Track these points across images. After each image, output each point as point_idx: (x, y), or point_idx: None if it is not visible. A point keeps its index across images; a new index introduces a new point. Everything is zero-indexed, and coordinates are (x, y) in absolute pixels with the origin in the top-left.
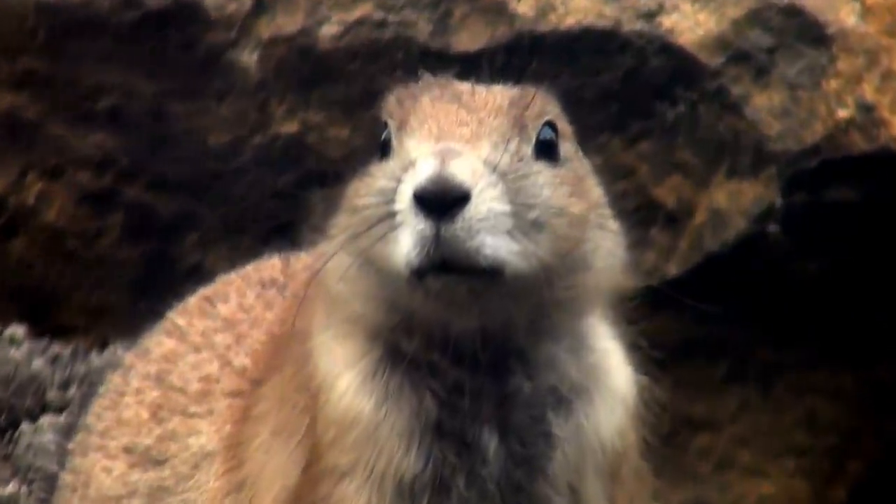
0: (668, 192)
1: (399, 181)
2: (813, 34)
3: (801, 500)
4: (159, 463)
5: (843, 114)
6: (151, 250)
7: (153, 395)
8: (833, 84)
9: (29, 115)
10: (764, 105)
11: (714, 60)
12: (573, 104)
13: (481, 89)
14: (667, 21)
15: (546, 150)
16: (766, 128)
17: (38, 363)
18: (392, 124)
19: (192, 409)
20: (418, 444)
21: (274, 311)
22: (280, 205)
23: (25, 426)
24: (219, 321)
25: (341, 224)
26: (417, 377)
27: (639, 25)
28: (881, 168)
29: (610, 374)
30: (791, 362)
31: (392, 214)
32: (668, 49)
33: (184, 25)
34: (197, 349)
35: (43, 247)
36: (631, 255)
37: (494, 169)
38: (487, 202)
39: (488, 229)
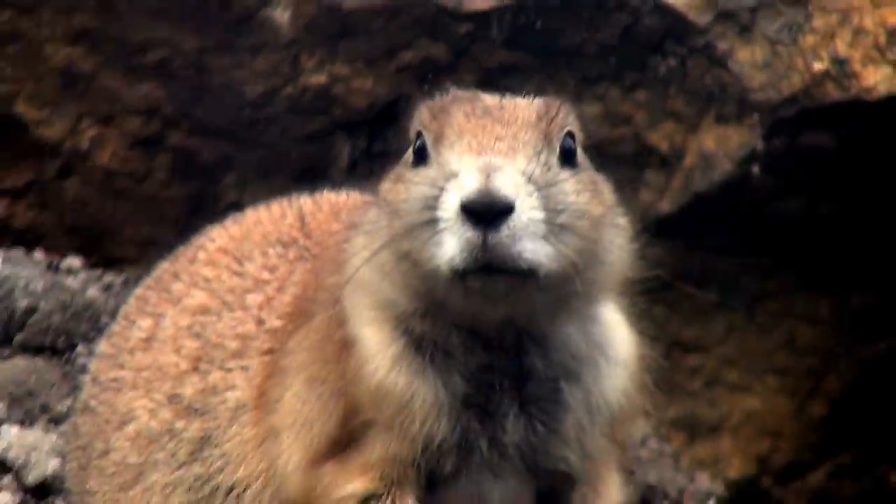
0: (661, 137)
1: (441, 189)
2: None
3: (783, 414)
4: (202, 414)
5: (818, 67)
6: (194, 189)
7: (192, 346)
8: (810, 40)
9: (84, 67)
10: (747, 59)
11: (702, 19)
12: (576, 58)
13: (509, 103)
14: None
15: (568, 158)
16: (749, 80)
17: (92, 291)
18: (427, 135)
19: (230, 364)
20: (447, 414)
21: (298, 275)
22: (309, 148)
23: (81, 348)
24: (248, 280)
25: (381, 222)
26: (443, 359)
27: None
28: (853, 116)
29: (614, 344)
30: (773, 290)
31: (435, 221)
32: (660, 9)
33: None
34: (230, 307)
35: (97, 186)
36: (637, 245)
37: (530, 180)
38: (527, 211)
39: (528, 235)
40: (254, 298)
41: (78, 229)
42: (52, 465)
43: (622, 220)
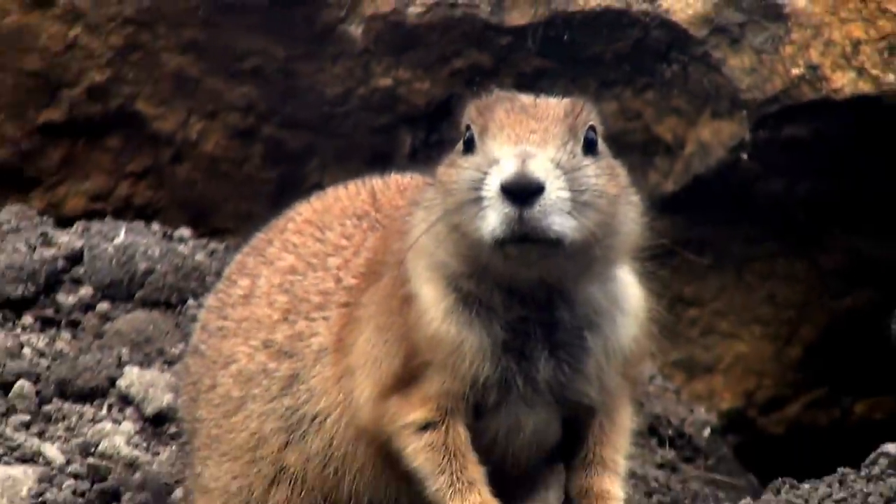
0: (666, 130)
1: (485, 173)
2: (774, 13)
3: (766, 357)
4: (290, 357)
5: (796, 72)
6: (284, 172)
7: (283, 300)
8: (789, 50)
9: (192, 72)
10: (737, 65)
11: (700, 32)
12: (596, 65)
13: (542, 102)
14: (665, 3)
15: (590, 147)
16: (739, 82)
17: (199, 256)
18: (475, 128)
19: (314, 315)
20: (490, 357)
21: (370, 242)
22: (378, 139)
23: (190, 302)
24: (329, 246)
25: (436, 200)
26: (486, 312)
27: (644, 6)
28: (824, 112)
29: (627, 299)
30: (758, 255)
31: (480, 199)
32: (666, 24)
33: (308, 5)
34: (314, 268)
35: (203, 170)
36: (646, 219)
37: (558, 165)
38: (556, 191)
39: (556, 211)
40: (333, 261)
41: (188, 205)
42: (166, 399)
43: (634, 199)
